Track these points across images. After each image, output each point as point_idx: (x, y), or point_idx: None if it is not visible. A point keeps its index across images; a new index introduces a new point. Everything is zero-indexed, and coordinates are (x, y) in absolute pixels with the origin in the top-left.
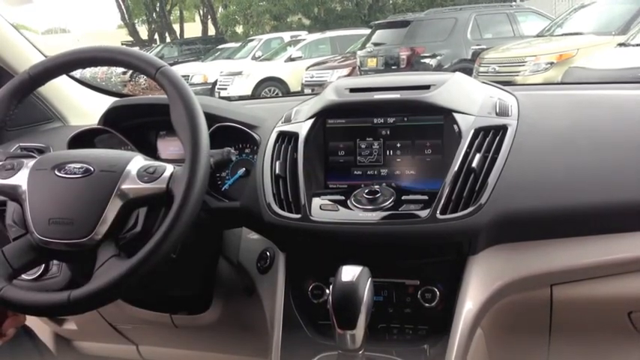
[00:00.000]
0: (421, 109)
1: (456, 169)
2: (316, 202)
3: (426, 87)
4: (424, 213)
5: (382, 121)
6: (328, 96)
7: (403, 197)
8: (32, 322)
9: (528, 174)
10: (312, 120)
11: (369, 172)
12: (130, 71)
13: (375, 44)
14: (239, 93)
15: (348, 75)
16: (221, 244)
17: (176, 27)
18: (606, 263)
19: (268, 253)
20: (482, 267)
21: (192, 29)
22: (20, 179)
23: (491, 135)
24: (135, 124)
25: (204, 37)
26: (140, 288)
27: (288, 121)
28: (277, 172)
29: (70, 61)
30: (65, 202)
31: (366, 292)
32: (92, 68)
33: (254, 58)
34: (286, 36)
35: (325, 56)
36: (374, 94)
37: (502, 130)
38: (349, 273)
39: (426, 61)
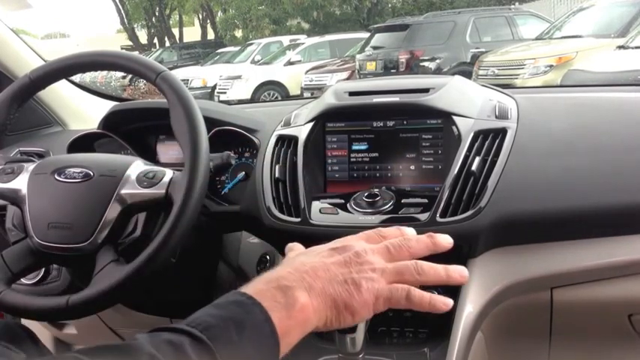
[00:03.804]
0: (420, 112)
1: (455, 172)
2: (316, 205)
3: (425, 90)
4: (424, 216)
5: (381, 124)
6: (327, 99)
7: (403, 200)
8: (32, 326)
9: (528, 177)
10: (311, 123)
11: (368, 176)
12: (130, 75)
13: (374, 48)
14: (238, 97)
15: (348, 78)
16: (221, 248)
17: (175, 31)
18: (606, 266)
19: (268, 257)
20: (482, 270)
21: (192, 33)
22: (20, 183)
23: (490, 138)
24: (134, 129)
25: (204, 42)
26: (140, 292)
27: (287, 124)
28: (277, 175)
29: (71, 65)
30: (65, 206)
31: None
32: (92, 72)
33: (253, 62)
34: (285, 40)
35: (324, 60)
36: (373, 97)
37: (501, 133)
38: None
39: (425, 64)
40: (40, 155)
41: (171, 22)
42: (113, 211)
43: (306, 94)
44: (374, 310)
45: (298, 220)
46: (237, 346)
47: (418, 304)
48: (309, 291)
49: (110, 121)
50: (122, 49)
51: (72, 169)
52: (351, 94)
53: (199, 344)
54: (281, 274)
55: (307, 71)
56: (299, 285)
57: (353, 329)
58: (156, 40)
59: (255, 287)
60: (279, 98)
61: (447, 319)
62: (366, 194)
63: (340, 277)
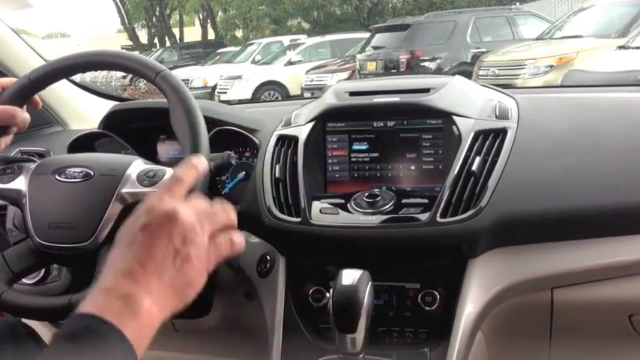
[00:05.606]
0: (421, 112)
1: (455, 172)
2: (316, 205)
3: (426, 90)
4: (424, 216)
5: (382, 124)
6: (328, 99)
7: (403, 200)
8: (33, 326)
9: (528, 177)
10: (311, 123)
11: (368, 176)
12: (130, 75)
13: (375, 48)
14: (239, 97)
15: (348, 78)
16: None
17: (176, 31)
18: (607, 266)
19: (269, 257)
20: (483, 270)
21: (192, 33)
22: (21, 183)
23: (491, 138)
24: (135, 128)
25: (204, 41)
26: None
27: (288, 124)
28: (277, 175)
29: (71, 65)
30: (65, 206)
31: (366, 295)
32: (92, 72)
33: (254, 61)
34: (286, 40)
35: (325, 60)
36: (373, 97)
37: (502, 133)
38: (349, 277)
39: (426, 64)
40: (41, 155)
41: (171, 22)
42: (114, 210)
43: (307, 94)
44: (209, 272)
45: (298, 220)
46: None
47: (239, 245)
48: (149, 292)
49: (110, 121)
50: (122, 49)
51: (72, 169)
52: (352, 94)
53: None
54: (117, 281)
55: (308, 71)
56: (137, 289)
57: (353, 329)
58: (156, 40)
59: (97, 302)
60: (280, 98)
61: (448, 319)
62: (366, 194)
63: (170, 261)
